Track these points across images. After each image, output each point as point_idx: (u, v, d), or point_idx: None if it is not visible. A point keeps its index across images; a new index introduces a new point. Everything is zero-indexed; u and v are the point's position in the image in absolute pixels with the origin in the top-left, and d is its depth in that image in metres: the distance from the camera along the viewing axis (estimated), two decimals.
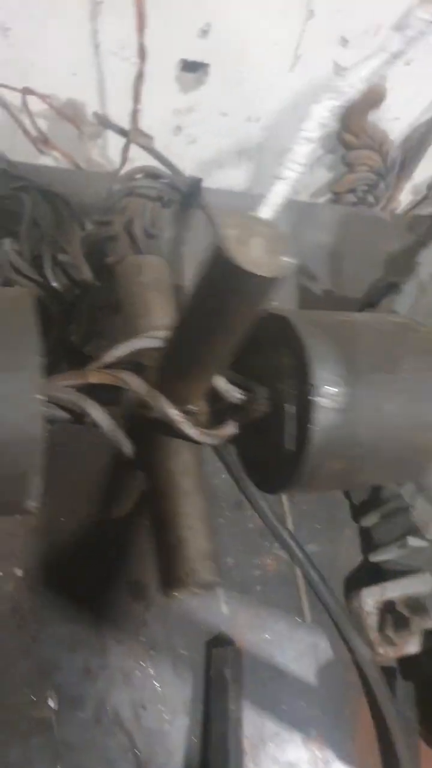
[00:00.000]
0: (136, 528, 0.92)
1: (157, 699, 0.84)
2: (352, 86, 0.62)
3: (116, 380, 0.54)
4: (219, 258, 0.38)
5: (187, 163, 1.55)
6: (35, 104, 1.30)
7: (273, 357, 0.62)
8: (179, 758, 0.82)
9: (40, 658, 0.82)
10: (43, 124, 1.35)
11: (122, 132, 1.21)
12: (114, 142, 1.40)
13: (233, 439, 0.70)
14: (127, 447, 0.55)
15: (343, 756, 0.88)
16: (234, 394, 0.59)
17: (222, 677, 0.84)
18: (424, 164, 1.83)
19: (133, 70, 1.19)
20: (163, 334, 0.57)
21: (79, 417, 0.54)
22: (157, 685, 0.85)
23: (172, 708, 0.84)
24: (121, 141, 1.22)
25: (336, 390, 0.56)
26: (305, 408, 0.56)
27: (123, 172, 1.21)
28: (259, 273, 0.36)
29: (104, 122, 1.25)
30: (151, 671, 0.85)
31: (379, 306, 1.03)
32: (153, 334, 0.58)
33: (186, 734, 0.83)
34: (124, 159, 1.23)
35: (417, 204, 1.98)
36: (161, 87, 1.39)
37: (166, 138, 1.50)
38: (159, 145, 1.25)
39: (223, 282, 0.40)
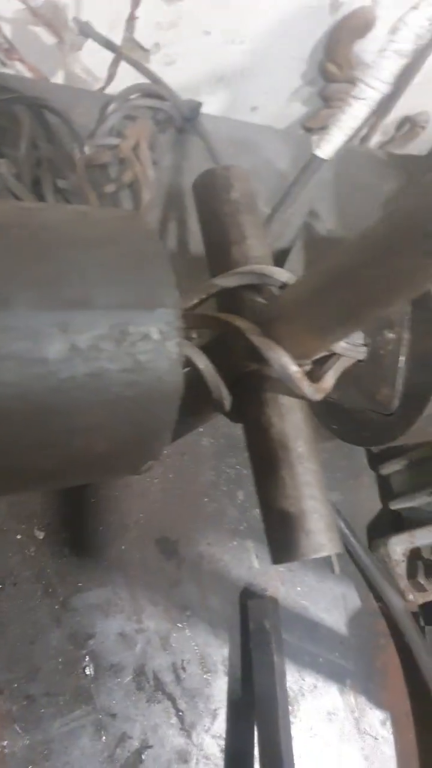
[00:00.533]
0: (159, 481, 0.89)
1: (197, 660, 0.82)
2: None
3: (229, 326, 0.50)
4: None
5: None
6: (3, 4, 1.17)
7: None
8: (222, 717, 0.81)
9: (72, 626, 0.78)
10: (8, 30, 1.21)
11: (109, 44, 1.11)
12: (93, 55, 1.29)
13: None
14: (228, 402, 0.51)
15: (377, 703, 0.91)
16: (358, 346, 0.56)
17: (262, 628, 0.84)
18: (399, 103, 1.83)
19: None
20: (268, 269, 0.53)
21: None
22: (195, 645, 0.83)
23: (212, 667, 0.83)
24: (101, 54, 1.12)
25: None
26: (427, 348, 0.54)
27: (110, 91, 1.12)
28: None
29: (87, 31, 1.14)
30: (188, 632, 0.83)
31: None
32: (255, 269, 0.53)
33: (228, 692, 0.82)
34: (112, 75, 1.14)
35: (384, 144, 1.99)
36: None
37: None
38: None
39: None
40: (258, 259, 0.57)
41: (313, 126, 1.75)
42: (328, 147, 0.73)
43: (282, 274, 0.51)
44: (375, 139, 1.95)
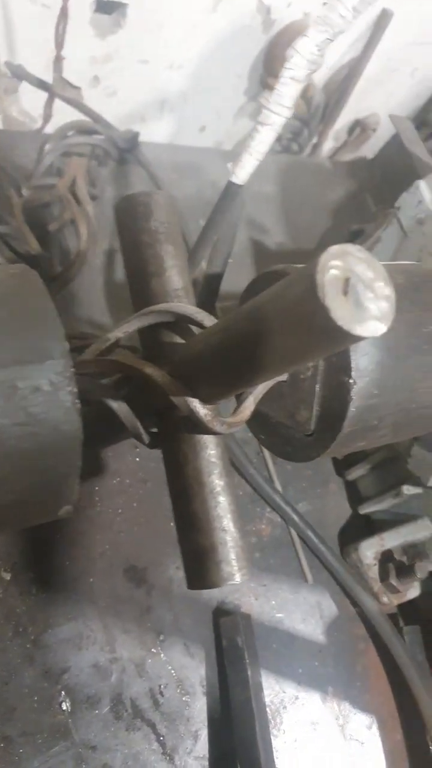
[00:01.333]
0: (123, 511, 0.90)
1: (174, 683, 0.84)
2: (344, 16, 0.61)
3: (137, 371, 0.51)
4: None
5: (108, 118, 1.49)
6: None
7: None
8: (204, 737, 0.82)
9: (46, 662, 0.79)
10: None
11: (42, 84, 1.14)
12: (29, 97, 1.32)
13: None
14: (146, 436, 0.54)
15: (360, 707, 0.93)
16: None
17: (235, 645, 0.85)
18: (345, 109, 1.86)
19: (46, 13, 1.12)
20: (181, 308, 0.54)
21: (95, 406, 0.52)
22: (171, 669, 0.84)
23: (190, 689, 0.84)
24: (38, 95, 1.15)
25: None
26: (340, 381, 0.56)
27: (49, 129, 1.15)
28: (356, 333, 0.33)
29: (20, 73, 1.17)
30: (163, 656, 0.85)
31: None
32: (171, 308, 0.54)
33: (208, 712, 0.84)
34: (48, 115, 1.16)
35: (338, 150, 2.03)
36: (75, 31, 1.31)
37: (83, 90, 1.43)
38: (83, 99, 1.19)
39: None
40: (177, 292, 0.58)
41: None
42: (241, 172, 0.75)
43: (196, 314, 0.53)
44: (327, 146, 1.99)
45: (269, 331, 0.38)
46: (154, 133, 1.64)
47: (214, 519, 0.51)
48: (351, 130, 1.98)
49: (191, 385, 0.49)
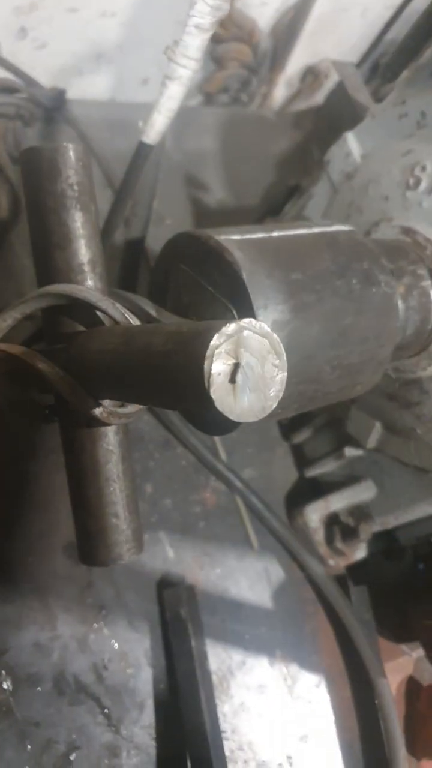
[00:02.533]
0: (60, 489, 0.89)
1: (118, 657, 0.85)
2: None
3: (27, 366, 0.49)
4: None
5: (40, 73, 1.42)
6: None
7: (199, 291, 0.60)
8: (150, 707, 0.84)
9: None
10: None
11: None
12: None
13: None
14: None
15: (309, 668, 0.95)
16: (162, 314, 0.57)
17: (179, 616, 0.86)
18: (294, 55, 1.80)
19: None
20: (83, 292, 0.51)
21: None
22: (115, 643, 0.85)
23: (134, 662, 0.85)
24: None
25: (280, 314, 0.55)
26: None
27: None
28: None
29: None
30: (106, 631, 0.85)
31: (283, 212, 1.02)
32: (68, 291, 0.51)
33: (154, 683, 0.85)
34: None
35: (291, 99, 1.97)
36: None
37: (9, 44, 1.36)
38: (3, 53, 1.13)
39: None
40: (82, 267, 0.54)
41: (211, 90, 1.73)
42: (152, 132, 0.72)
43: (99, 302, 0.50)
44: (279, 95, 1.93)
45: (161, 379, 0.38)
46: (93, 88, 1.57)
47: (107, 505, 0.51)
48: (303, 77, 1.92)
49: (86, 383, 0.48)
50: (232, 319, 0.39)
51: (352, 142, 0.83)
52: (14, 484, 0.88)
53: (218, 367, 0.33)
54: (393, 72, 0.79)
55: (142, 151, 0.73)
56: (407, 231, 0.73)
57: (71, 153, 0.51)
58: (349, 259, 0.62)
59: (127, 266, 0.79)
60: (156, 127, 0.72)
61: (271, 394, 0.36)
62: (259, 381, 0.36)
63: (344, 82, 1.25)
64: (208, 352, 0.33)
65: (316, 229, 0.64)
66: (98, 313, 0.50)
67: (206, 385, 0.33)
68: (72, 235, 0.53)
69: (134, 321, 0.52)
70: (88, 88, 1.55)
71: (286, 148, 1.32)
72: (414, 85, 0.76)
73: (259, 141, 1.34)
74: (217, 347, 0.33)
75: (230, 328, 0.34)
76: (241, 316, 0.54)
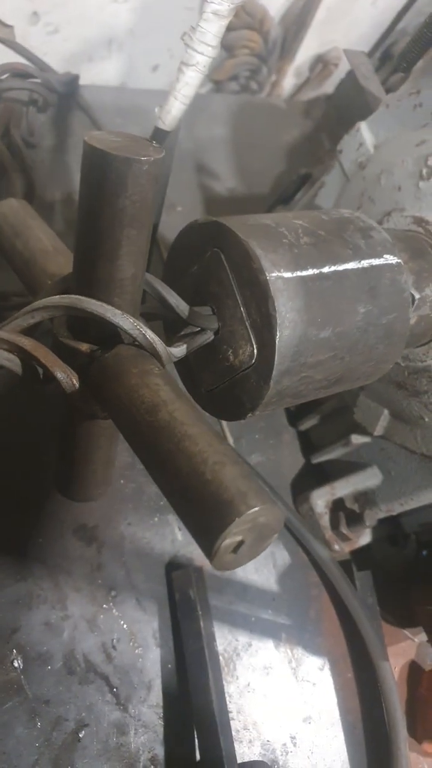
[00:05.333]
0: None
1: (127, 637, 0.86)
2: None
3: (46, 370, 0.51)
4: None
5: (52, 58, 1.42)
6: None
7: (214, 276, 0.61)
8: (158, 686, 0.85)
9: None
10: None
11: None
12: None
13: (181, 375, 0.70)
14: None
15: (313, 651, 0.95)
16: (181, 305, 0.57)
17: (188, 597, 0.87)
18: (304, 44, 1.79)
19: None
20: (117, 317, 0.52)
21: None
22: (124, 623, 0.86)
23: (143, 642, 0.86)
24: None
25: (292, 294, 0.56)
26: (263, 311, 0.56)
27: None
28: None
29: None
30: (116, 612, 0.86)
31: (294, 201, 1.02)
32: (103, 313, 0.51)
33: (161, 663, 0.86)
34: None
35: (301, 87, 1.96)
36: None
37: (22, 28, 1.35)
38: (15, 38, 1.13)
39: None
40: (123, 282, 0.52)
41: (221, 78, 1.72)
42: (168, 117, 0.72)
43: (132, 330, 0.51)
44: (289, 84, 1.93)
45: (168, 488, 0.45)
46: (104, 74, 1.57)
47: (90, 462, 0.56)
48: (313, 66, 1.92)
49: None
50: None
51: (365, 131, 0.83)
52: (25, 466, 0.88)
53: (226, 543, 0.40)
54: (408, 62, 0.79)
55: (158, 136, 0.73)
56: (419, 221, 0.73)
57: (144, 168, 0.46)
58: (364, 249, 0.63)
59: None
60: (172, 113, 0.72)
61: (260, 553, 0.44)
62: (255, 548, 0.43)
63: (355, 72, 1.24)
64: (223, 534, 0.40)
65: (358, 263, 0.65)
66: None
67: (211, 552, 0.40)
68: (121, 251, 0.50)
69: (157, 341, 0.53)
70: (99, 74, 1.55)
71: (297, 136, 1.32)
72: (430, 75, 0.75)
73: (269, 129, 1.34)
74: (232, 533, 0.40)
75: (252, 513, 0.40)
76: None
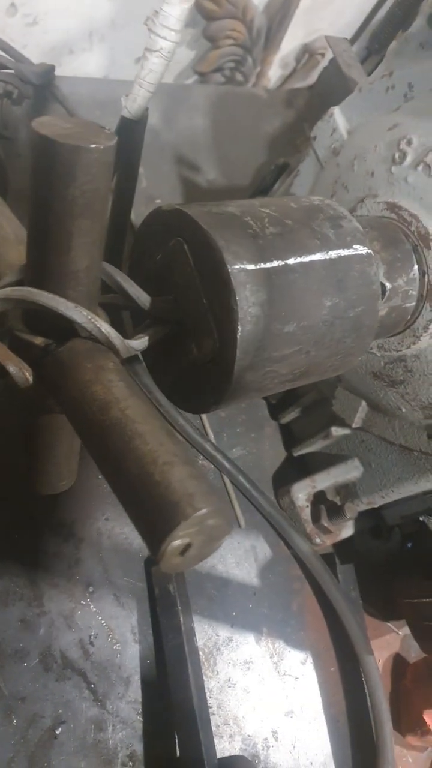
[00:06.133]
0: None
1: (105, 633, 0.84)
2: None
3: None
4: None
5: (32, 51, 1.39)
6: None
7: (178, 266, 0.59)
8: (137, 682, 0.83)
9: None
10: None
11: None
12: None
13: (149, 366, 0.68)
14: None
15: (295, 644, 0.94)
16: (142, 296, 0.56)
17: (167, 592, 0.85)
18: (289, 33, 1.76)
19: None
20: (40, 297, 0.49)
21: None
22: (102, 619, 0.85)
23: (121, 638, 0.85)
24: None
25: (252, 285, 0.54)
26: (225, 304, 0.54)
27: None
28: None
29: None
30: (93, 607, 0.85)
31: (273, 191, 1.00)
32: (53, 304, 0.49)
33: (140, 659, 0.85)
34: None
35: (287, 78, 1.93)
36: None
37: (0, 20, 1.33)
38: None
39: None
40: (77, 274, 0.50)
41: (204, 70, 1.69)
42: (133, 106, 0.70)
43: (60, 305, 0.48)
44: (275, 75, 1.89)
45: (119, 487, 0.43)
46: (86, 66, 1.54)
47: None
48: (299, 56, 1.88)
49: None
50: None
51: (338, 117, 0.80)
52: None
53: (173, 545, 0.38)
54: (380, 43, 0.76)
55: (123, 125, 0.71)
56: (392, 207, 0.71)
57: (94, 156, 0.43)
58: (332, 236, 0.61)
59: (112, 242, 0.77)
60: (138, 102, 0.69)
61: (210, 554, 0.42)
62: (204, 550, 0.41)
63: (337, 59, 1.22)
64: (168, 539, 0.38)
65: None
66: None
67: (157, 554, 0.38)
68: (73, 242, 0.48)
69: (113, 334, 0.51)
70: (81, 67, 1.52)
71: (279, 126, 1.29)
72: (402, 56, 0.73)
73: (250, 119, 1.32)
74: (179, 536, 0.38)
75: (199, 515, 0.38)
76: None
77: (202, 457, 0.98)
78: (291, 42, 1.79)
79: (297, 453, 1.02)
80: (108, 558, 0.88)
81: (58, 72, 1.25)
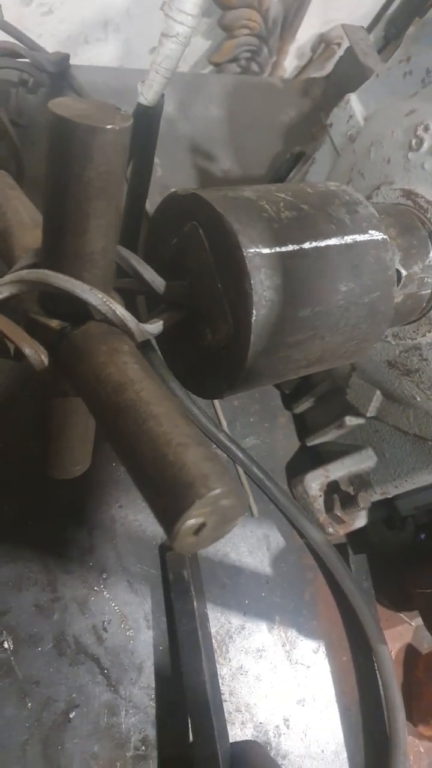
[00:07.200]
0: None
1: (118, 619, 0.84)
2: None
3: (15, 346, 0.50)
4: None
5: (47, 40, 1.40)
6: None
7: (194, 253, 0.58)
8: (149, 668, 0.84)
9: None
10: None
11: None
12: None
13: (164, 351, 0.68)
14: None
15: (308, 634, 0.94)
16: (157, 281, 0.56)
17: (181, 578, 0.85)
18: (305, 23, 1.74)
19: None
20: (53, 278, 0.49)
21: None
22: (115, 605, 0.85)
23: (134, 624, 0.85)
24: None
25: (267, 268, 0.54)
26: (240, 289, 0.53)
27: None
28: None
29: None
30: (107, 594, 0.85)
31: (288, 180, 0.99)
32: (71, 287, 0.49)
33: (153, 645, 0.85)
34: None
35: (303, 69, 1.91)
36: None
37: (14, 10, 1.33)
38: (8, 19, 1.10)
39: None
40: (92, 256, 0.49)
41: (220, 60, 1.68)
42: (149, 92, 0.69)
43: (77, 288, 0.49)
44: (291, 65, 1.88)
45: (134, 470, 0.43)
46: (102, 56, 1.54)
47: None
48: (315, 46, 1.87)
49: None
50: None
51: (355, 103, 0.79)
52: (13, 448, 0.87)
53: (187, 525, 0.38)
54: (397, 28, 0.75)
55: (139, 111, 0.71)
56: (408, 194, 0.70)
57: (110, 137, 0.43)
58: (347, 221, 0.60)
59: (128, 228, 0.77)
60: (154, 88, 0.69)
61: (224, 535, 0.42)
62: (218, 530, 0.41)
63: (353, 47, 1.21)
64: (183, 518, 0.38)
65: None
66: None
67: (171, 534, 0.39)
68: (89, 224, 0.48)
69: (128, 317, 0.51)
70: (97, 57, 1.52)
71: (295, 116, 1.29)
72: (419, 42, 0.72)
73: (266, 109, 1.31)
74: (192, 516, 0.38)
75: (213, 495, 0.38)
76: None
77: (215, 446, 0.98)
78: (307, 32, 1.77)
79: (310, 443, 1.02)
80: (122, 545, 0.88)
81: (73, 62, 1.25)
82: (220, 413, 1.00)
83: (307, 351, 0.60)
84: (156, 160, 1.11)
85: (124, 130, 0.44)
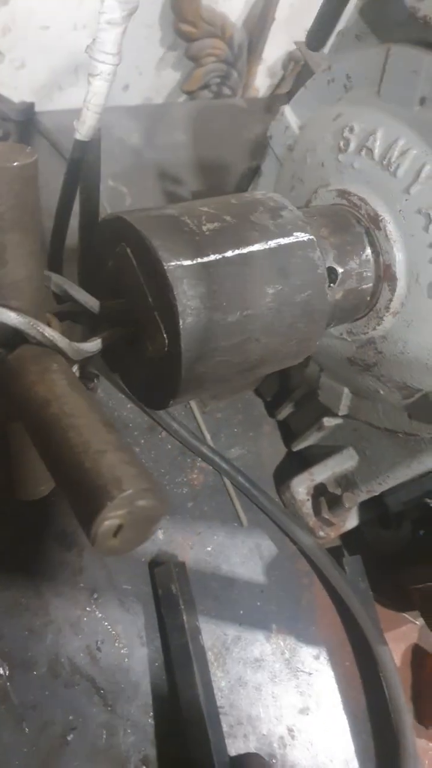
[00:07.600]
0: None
1: (112, 638, 0.85)
2: None
3: None
4: None
5: (23, 92, 1.46)
6: None
7: (126, 272, 0.61)
8: (146, 685, 0.84)
9: None
10: None
11: None
12: None
13: (116, 368, 0.71)
14: None
15: (307, 640, 0.93)
16: (90, 301, 0.58)
17: (170, 593, 0.86)
18: (271, 44, 1.79)
19: None
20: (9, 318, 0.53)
21: None
22: (108, 624, 0.86)
23: (128, 642, 0.86)
24: None
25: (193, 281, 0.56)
26: (166, 300, 0.56)
27: None
28: None
29: None
30: (99, 613, 0.86)
31: None
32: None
33: (148, 662, 0.85)
34: None
35: (276, 86, 1.95)
36: None
37: None
38: None
39: None
40: (18, 284, 0.52)
41: (191, 88, 1.74)
42: (83, 128, 0.73)
43: (2, 315, 0.51)
44: (263, 84, 1.92)
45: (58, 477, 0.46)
46: (75, 99, 1.59)
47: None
48: (285, 64, 1.91)
49: None
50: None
51: (289, 114, 0.82)
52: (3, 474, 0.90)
53: (103, 527, 0.40)
54: (318, 41, 0.78)
55: (77, 148, 0.75)
56: (342, 193, 0.72)
57: (15, 172, 0.46)
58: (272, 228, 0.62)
59: (84, 256, 0.81)
60: (87, 123, 0.73)
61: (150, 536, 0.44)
62: (140, 531, 0.42)
63: (308, 61, 1.24)
64: (97, 520, 0.39)
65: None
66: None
67: (90, 536, 0.40)
68: (8, 255, 0.51)
69: (57, 338, 0.54)
70: (71, 101, 1.58)
71: (260, 132, 1.31)
72: (340, 50, 0.74)
73: (231, 129, 1.34)
74: (108, 518, 0.40)
75: (125, 496, 0.40)
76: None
77: (200, 459, 1.00)
78: (275, 52, 1.82)
79: (296, 448, 1.02)
80: (111, 564, 0.90)
81: (50, 107, 1.31)
82: (203, 426, 1.02)
83: (246, 353, 0.62)
84: (124, 189, 1.15)
85: (28, 165, 0.48)
